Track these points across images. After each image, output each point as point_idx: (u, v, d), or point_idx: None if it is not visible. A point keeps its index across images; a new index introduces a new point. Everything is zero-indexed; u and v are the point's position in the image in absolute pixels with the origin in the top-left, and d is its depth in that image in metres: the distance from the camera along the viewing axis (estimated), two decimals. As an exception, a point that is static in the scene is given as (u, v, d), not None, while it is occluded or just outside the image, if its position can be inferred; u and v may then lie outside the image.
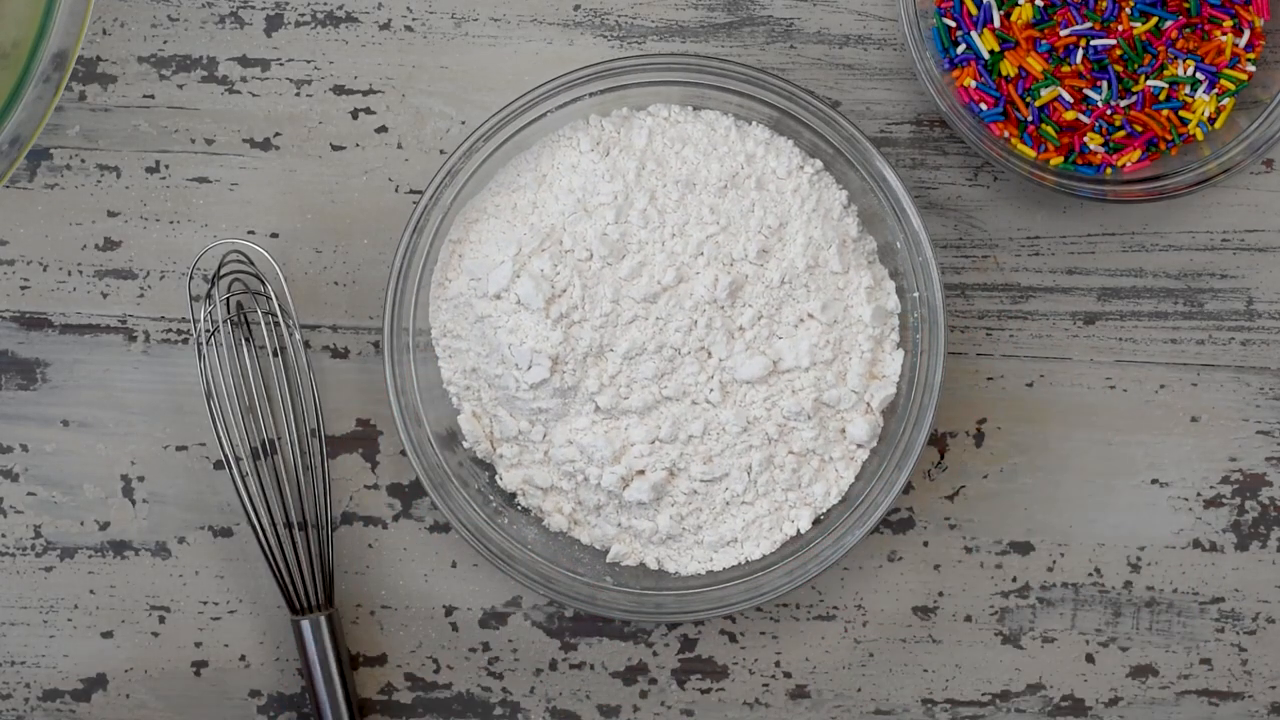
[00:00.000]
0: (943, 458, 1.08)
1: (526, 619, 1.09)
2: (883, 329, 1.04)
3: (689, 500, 1.04)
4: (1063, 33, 1.04)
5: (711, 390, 1.03)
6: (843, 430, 1.05)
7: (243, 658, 1.09)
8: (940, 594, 1.09)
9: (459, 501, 1.04)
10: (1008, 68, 1.04)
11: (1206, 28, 1.05)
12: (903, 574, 1.09)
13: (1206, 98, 1.05)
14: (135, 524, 1.08)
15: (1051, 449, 1.09)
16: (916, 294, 1.04)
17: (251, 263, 1.06)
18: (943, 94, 1.03)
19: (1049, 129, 1.05)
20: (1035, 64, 1.04)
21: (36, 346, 1.08)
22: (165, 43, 1.08)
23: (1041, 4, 1.04)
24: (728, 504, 1.05)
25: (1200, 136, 1.05)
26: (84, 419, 1.08)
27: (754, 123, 1.05)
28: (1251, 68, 1.05)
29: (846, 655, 1.09)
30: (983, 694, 1.09)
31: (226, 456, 1.05)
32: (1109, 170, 1.05)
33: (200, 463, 1.08)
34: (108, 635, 1.09)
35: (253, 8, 1.08)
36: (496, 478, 1.06)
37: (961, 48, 1.05)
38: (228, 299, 1.06)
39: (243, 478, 1.05)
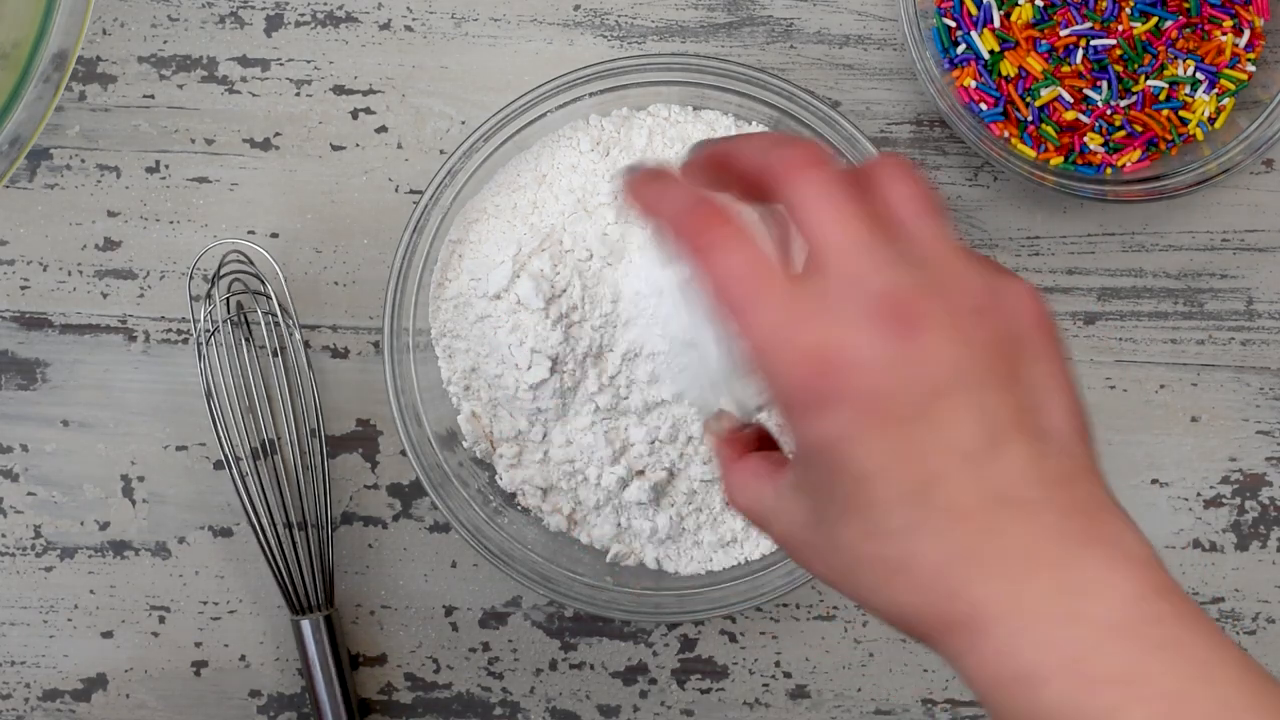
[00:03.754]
0: (943, 458, 1.08)
1: (526, 619, 1.09)
2: (883, 329, 1.04)
3: (689, 500, 1.04)
4: (1063, 33, 1.04)
5: (711, 390, 1.03)
6: (843, 430, 1.04)
7: (243, 658, 1.09)
8: (940, 594, 1.09)
9: (459, 501, 1.04)
10: (1008, 68, 1.04)
11: (1206, 28, 1.05)
12: (903, 574, 1.09)
13: (1206, 98, 1.05)
14: (135, 524, 1.08)
15: (1051, 449, 1.08)
16: (916, 294, 1.04)
17: (251, 263, 1.06)
18: (943, 94, 1.03)
19: (1049, 129, 1.05)
20: (1035, 64, 1.04)
21: (36, 346, 1.08)
22: (165, 43, 1.08)
23: (1041, 4, 1.04)
24: (728, 504, 1.04)
25: (1200, 136, 1.06)
26: (84, 419, 1.08)
27: (754, 123, 1.05)
28: (1251, 68, 1.05)
29: (846, 655, 1.09)
30: (983, 694, 1.09)
31: (226, 456, 1.05)
32: (1109, 170, 1.05)
33: (200, 463, 1.08)
34: (108, 635, 1.09)
35: (253, 8, 1.08)
36: (496, 478, 1.06)
37: (961, 48, 1.05)
38: (228, 299, 1.06)
39: (242, 478, 1.05)
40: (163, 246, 1.08)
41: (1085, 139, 1.05)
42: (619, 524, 1.05)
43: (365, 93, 1.08)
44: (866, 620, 1.09)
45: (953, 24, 1.05)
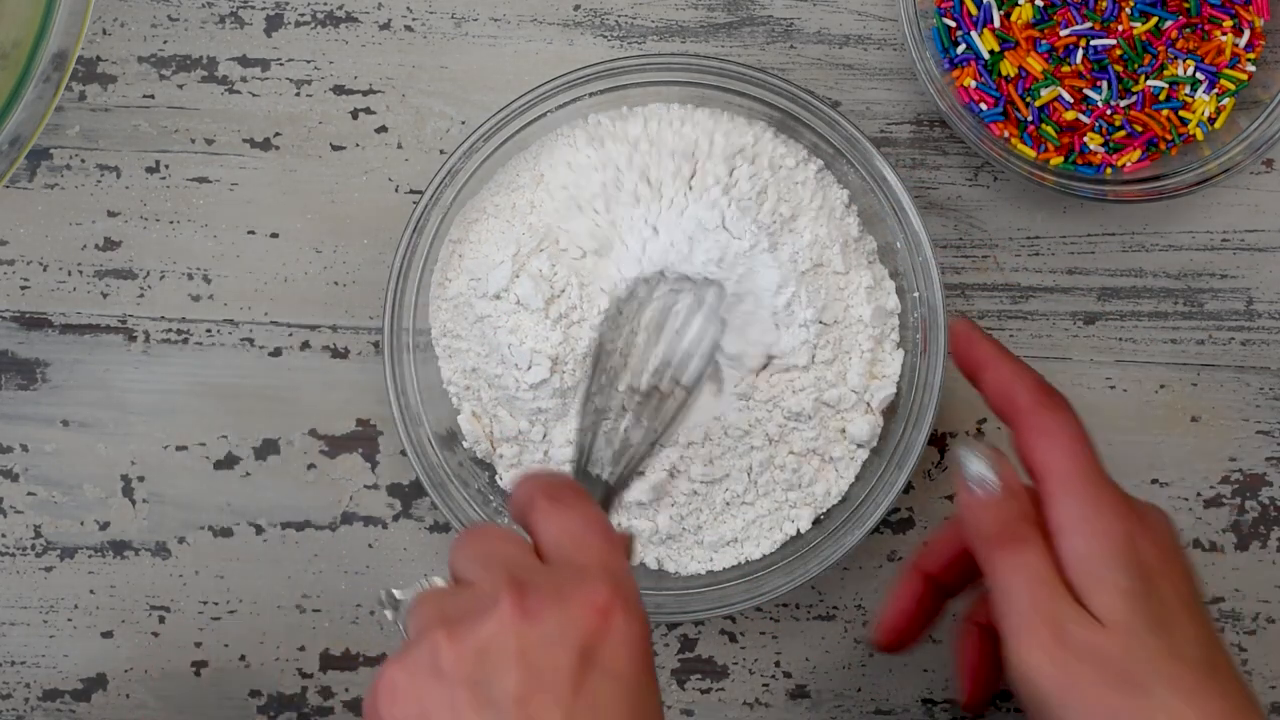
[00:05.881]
0: (943, 458, 1.08)
1: (526, 619, 1.09)
2: (883, 329, 1.04)
3: (689, 500, 1.04)
4: (1063, 33, 1.04)
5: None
6: (843, 430, 1.04)
7: (243, 658, 1.09)
8: (940, 594, 1.09)
9: (459, 501, 1.04)
10: (1008, 68, 1.04)
11: (1206, 28, 1.05)
12: (903, 574, 1.09)
13: (1206, 98, 1.05)
14: (135, 524, 1.08)
15: (1051, 449, 1.08)
16: (916, 294, 1.04)
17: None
18: (943, 94, 1.03)
19: (1049, 129, 1.05)
20: (1035, 64, 1.04)
21: (36, 346, 1.08)
22: (165, 43, 1.08)
23: (1041, 4, 1.04)
24: (728, 504, 1.04)
25: (1200, 136, 1.06)
26: (84, 419, 1.08)
27: (756, 123, 1.05)
28: (1251, 68, 1.05)
29: (846, 655, 1.09)
30: (983, 694, 1.09)
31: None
32: (1109, 170, 1.05)
33: (200, 463, 1.08)
34: (108, 635, 1.09)
35: (253, 8, 1.08)
36: (496, 478, 1.06)
37: (961, 48, 1.05)
38: None
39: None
40: (163, 246, 1.08)
41: (1085, 139, 1.05)
42: (619, 524, 1.05)
43: (365, 93, 1.08)
44: (866, 620, 1.09)
45: (953, 24, 1.05)
